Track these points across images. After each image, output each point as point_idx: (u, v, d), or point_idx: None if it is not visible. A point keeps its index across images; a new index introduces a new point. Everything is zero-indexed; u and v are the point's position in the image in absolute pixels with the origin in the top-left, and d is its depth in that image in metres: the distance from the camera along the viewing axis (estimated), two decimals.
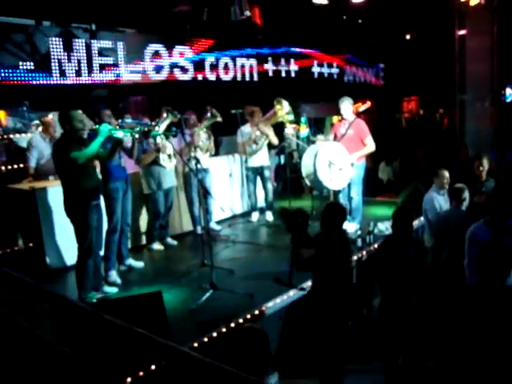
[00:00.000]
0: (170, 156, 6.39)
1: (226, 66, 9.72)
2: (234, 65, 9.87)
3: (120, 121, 5.19)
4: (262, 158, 7.57)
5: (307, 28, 10.73)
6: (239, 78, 9.91)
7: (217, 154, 7.95)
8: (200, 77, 9.23)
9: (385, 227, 6.62)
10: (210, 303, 4.70)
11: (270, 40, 10.69)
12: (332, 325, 4.08)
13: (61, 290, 5.24)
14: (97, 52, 7.66)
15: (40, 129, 6.91)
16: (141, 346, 2.87)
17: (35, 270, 5.69)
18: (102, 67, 7.76)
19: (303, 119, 10.95)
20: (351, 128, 6.69)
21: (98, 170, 5.24)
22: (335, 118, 11.83)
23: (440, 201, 5.82)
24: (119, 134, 4.83)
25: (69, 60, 7.32)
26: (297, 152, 10.16)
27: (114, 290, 5.17)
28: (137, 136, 5.15)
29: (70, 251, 5.64)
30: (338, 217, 4.35)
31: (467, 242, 4.15)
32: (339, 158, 6.41)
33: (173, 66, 8.73)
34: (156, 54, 8.47)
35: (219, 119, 6.87)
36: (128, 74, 8.09)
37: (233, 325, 4.23)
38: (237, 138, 7.62)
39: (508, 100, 11.80)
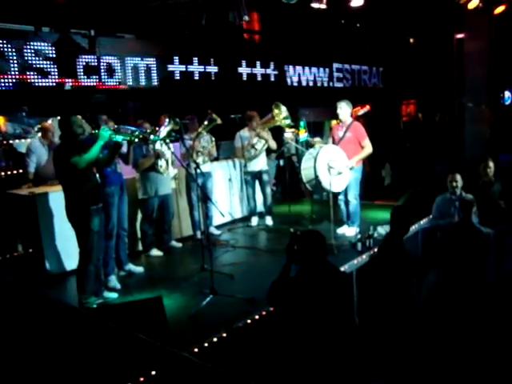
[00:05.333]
0: (168, 162, 6.38)
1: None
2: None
3: (117, 126, 5.18)
4: (261, 163, 7.58)
5: (305, 32, 10.74)
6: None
7: (216, 158, 7.96)
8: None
9: (384, 231, 6.61)
10: (210, 308, 4.69)
11: (267, 46, 10.68)
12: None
13: (60, 295, 5.23)
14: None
15: (39, 134, 6.91)
16: (141, 351, 2.86)
17: (35, 275, 5.68)
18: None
19: (302, 123, 10.96)
20: (349, 131, 6.70)
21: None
22: (334, 122, 11.85)
23: (450, 206, 5.94)
24: (119, 137, 4.85)
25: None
26: (296, 156, 10.17)
27: (113, 295, 5.16)
28: (136, 140, 5.15)
29: (69, 256, 5.64)
30: (318, 244, 3.47)
31: (492, 243, 4.49)
32: (338, 161, 6.42)
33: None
34: None
35: (219, 122, 6.88)
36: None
37: (233, 330, 4.22)
38: (235, 143, 7.64)
39: (507, 103, 11.83)
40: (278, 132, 8.05)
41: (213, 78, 9.44)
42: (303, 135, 10.41)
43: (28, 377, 3.05)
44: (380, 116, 12.71)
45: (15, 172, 7.04)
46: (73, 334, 3.41)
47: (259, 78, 10.17)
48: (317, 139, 7.09)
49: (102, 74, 7.84)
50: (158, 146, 6.21)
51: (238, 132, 7.58)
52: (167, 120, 6.04)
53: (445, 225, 5.81)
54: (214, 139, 7.16)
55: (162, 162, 6.30)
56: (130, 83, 8.13)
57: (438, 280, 3.74)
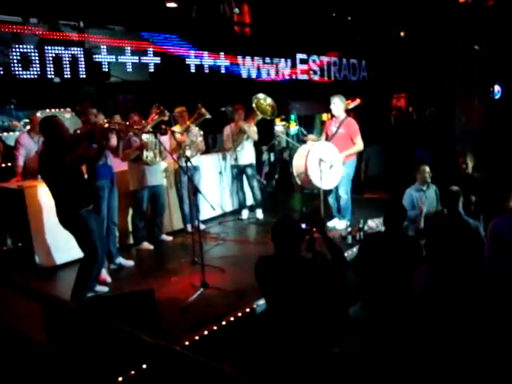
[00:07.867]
0: (156, 154, 6.35)
1: None
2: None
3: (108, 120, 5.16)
4: (247, 157, 7.58)
5: (296, 25, 10.69)
6: None
7: (208, 151, 7.94)
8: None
9: (375, 224, 6.65)
10: (201, 301, 4.70)
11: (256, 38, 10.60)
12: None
13: (51, 288, 5.20)
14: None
15: (28, 127, 6.85)
16: (132, 345, 2.86)
17: (24, 269, 5.65)
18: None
19: (293, 116, 10.96)
20: (342, 127, 6.65)
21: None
22: (325, 116, 11.85)
23: (421, 197, 5.90)
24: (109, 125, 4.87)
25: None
26: (287, 149, 10.18)
27: (104, 288, 5.13)
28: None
29: (59, 250, 5.61)
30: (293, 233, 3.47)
31: (487, 236, 4.43)
32: (330, 158, 6.40)
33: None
34: None
35: (208, 116, 6.86)
36: None
37: (224, 323, 4.23)
38: (224, 136, 7.63)
39: (496, 97, 11.88)
40: (269, 125, 8.04)
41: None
42: (294, 128, 10.43)
43: (19, 370, 3.04)
44: (370, 109, 12.70)
45: (3, 165, 6.98)
46: (63, 327, 3.40)
47: (206, 71, 9.15)
48: (311, 136, 7.05)
49: (13, 65, 6.68)
50: (144, 137, 6.16)
51: (228, 125, 7.58)
52: (155, 112, 6.01)
53: (414, 217, 5.78)
54: (202, 133, 7.13)
55: (148, 153, 6.26)
56: (53, 76, 7.07)
57: (430, 276, 3.70)
